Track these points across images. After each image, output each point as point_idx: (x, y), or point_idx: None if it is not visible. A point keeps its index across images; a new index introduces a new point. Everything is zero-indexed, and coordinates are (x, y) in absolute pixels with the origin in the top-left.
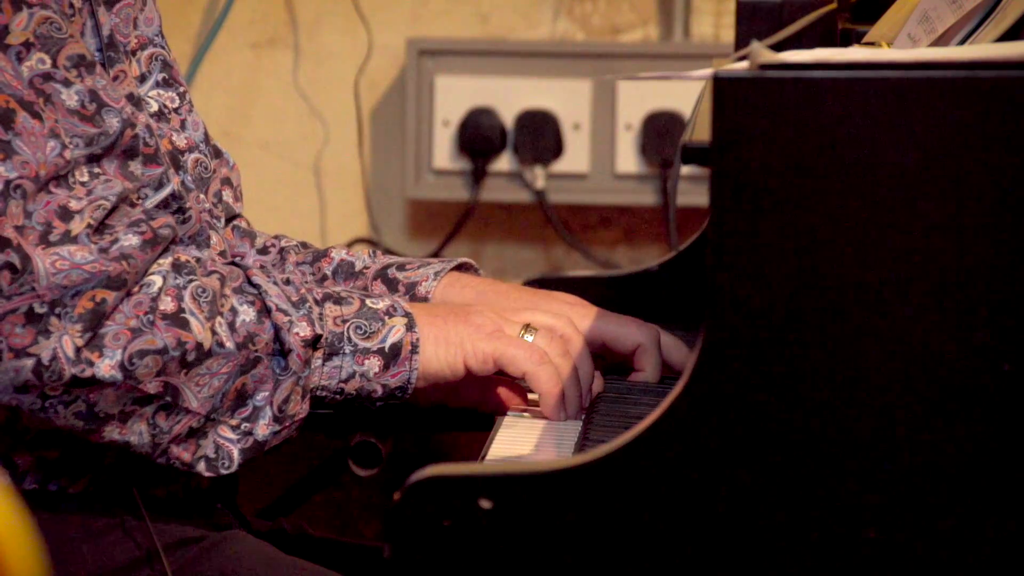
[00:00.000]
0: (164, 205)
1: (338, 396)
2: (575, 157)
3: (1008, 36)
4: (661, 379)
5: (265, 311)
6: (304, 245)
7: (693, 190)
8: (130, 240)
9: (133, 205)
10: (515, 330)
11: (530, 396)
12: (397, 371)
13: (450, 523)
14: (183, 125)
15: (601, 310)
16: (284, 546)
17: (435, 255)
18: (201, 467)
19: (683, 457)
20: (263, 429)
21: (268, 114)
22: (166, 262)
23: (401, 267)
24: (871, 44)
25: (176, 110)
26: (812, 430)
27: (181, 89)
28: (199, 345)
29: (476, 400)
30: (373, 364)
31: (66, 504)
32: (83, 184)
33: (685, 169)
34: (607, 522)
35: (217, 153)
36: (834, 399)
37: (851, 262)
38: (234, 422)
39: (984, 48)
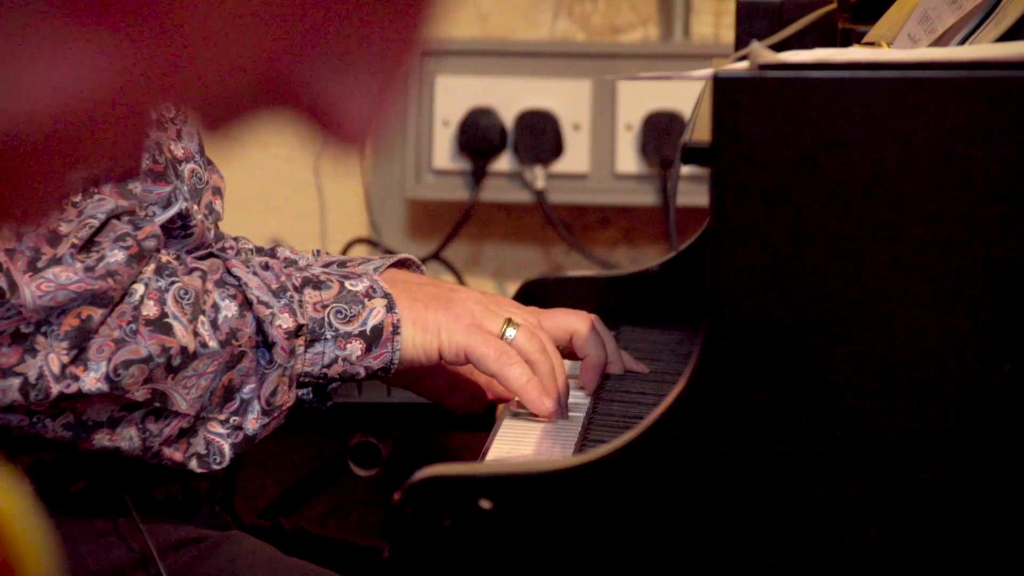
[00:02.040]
0: (170, 223)
1: (321, 380)
2: (575, 157)
3: (1008, 36)
4: (662, 379)
5: (246, 304)
6: (259, 250)
7: (693, 190)
8: (116, 256)
9: (122, 219)
10: (497, 324)
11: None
12: (379, 353)
13: (450, 523)
14: (179, 135)
15: (533, 308)
16: (284, 546)
17: (435, 255)
18: (193, 464)
19: (683, 457)
20: (252, 423)
21: None
22: (149, 269)
23: (342, 264)
24: (871, 44)
25: (172, 120)
26: (812, 430)
27: None
28: (183, 349)
29: (442, 392)
30: (355, 348)
31: (64, 506)
32: (75, 205)
33: (685, 169)
34: (607, 522)
35: (208, 163)
36: (834, 398)
37: (851, 262)
38: (223, 417)
39: (984, 48)
